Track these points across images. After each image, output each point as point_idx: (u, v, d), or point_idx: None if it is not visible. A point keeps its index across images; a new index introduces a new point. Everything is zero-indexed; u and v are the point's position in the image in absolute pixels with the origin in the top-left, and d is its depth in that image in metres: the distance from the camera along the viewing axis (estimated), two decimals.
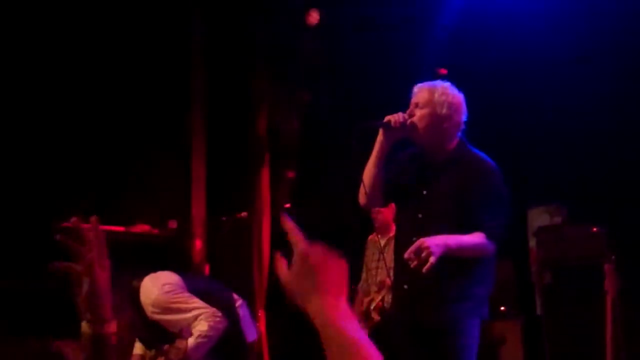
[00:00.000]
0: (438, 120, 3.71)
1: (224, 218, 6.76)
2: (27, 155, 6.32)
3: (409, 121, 3.71)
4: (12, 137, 6.26)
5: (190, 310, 4.11)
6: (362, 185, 3.84)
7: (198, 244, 6.65)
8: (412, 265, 3.44)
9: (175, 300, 4.14)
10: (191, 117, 7.18)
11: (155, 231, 6.32)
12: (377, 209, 6.28)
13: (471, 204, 3.63)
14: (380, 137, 3.79)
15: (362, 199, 3.87)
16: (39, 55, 6.38)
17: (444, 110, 3.70)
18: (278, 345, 7.14)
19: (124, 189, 6.83)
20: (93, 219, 1.90)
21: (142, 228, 6.24)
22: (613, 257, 5.82)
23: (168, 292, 4.15)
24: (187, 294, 4.18)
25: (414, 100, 3.77)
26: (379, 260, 6.35)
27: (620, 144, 6.54)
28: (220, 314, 4.15)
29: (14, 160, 6.22)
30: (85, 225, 1.89)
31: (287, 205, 7.54)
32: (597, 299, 5.42)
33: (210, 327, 4.07)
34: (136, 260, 6.00)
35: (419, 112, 3.72)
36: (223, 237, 6.81)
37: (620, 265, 5.52)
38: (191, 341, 4.05)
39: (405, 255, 3.45)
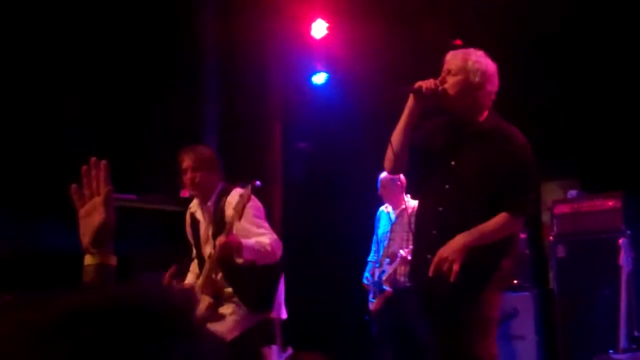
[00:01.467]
0: (470, 88, 3.64)
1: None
2: (46, 126, 6.34)
3: (440, 88, 3.64)
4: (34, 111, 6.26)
5: (261, 227, 4.32)
6: (389, 150, 3.78)
7: None
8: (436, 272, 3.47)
9: (256, 213, 4.36)
10: (204, 86, 7.15)
11: (168, 200, 6.31)
12: (388, 182, 6.28)
13: (500, 178, 3.59)
14: (410, 103, 3.72)
15: (388, 164, 3.82)
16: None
17: (477, 79, 3.63)
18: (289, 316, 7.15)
19: (138, 158, 6.82)
20: (103, 162, 1.99)
21: (153, 197, 6.24)
22: (629, 231, 5.80)
23: (256, 206, 4.38)
24: (265, 217, 4.44)
25: (446, 66, 3.70)
26: (390, 232, 6.34)
27: (636, 116, 6.49)
28: (281, 246, 4.33)
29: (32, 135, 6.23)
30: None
31: (299, 176, 7.55)
32: (611, 273, 5.40)
33: (270, 245, 4.22)
34: (149, 228, 6.02)
35: (451, 79, 3.65)
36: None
37: (635, 240, 5.50)
38: (249, 241, 4.18)
39: (430, 275, 3.48)
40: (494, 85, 3.71)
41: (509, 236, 3.66)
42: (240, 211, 4.10)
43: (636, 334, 5.36)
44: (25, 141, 6.24)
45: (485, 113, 3.74)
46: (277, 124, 7.50)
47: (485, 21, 6.83)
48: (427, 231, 3.67)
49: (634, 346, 5.08)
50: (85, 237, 1.94)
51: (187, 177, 4.51)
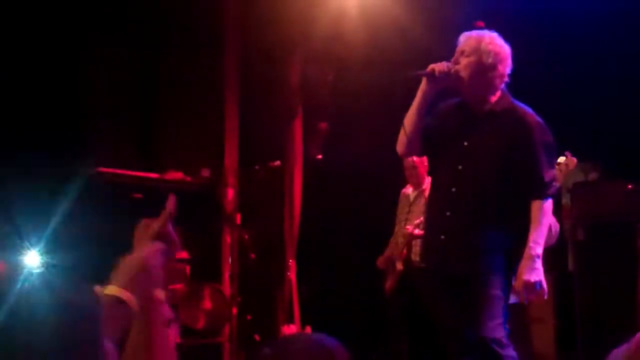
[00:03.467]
0: (483, 70, 3.68)
1: (256, 167, 6.77)
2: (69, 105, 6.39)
3: (453, 69, 3.68)
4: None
5: None
6: (401, 133, 3.81)
7: (230, 193, 6.68)
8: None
9: None
10: (225, 67, 7.16)
11: (188, 179, 6.36)
12: (412, 164, 6.29)
13: (514, 158, 3.62)
14: (423, 86, 3.75)
15: (400, 147, 3.86)
16: None
17: (490, 60, 3.67)
18: (308, 295, 7.21)
19: (159, 137, 6.88)
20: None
21: (175, 175, 6.29)
22: None
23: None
24: None
25: (459, 48, 3.73)
26: (408, 212, 6.35)
27: None
28: None
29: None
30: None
31: (319, 157, 7.55)
32: (630, 257, 5.39)
33: None
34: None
35: (464, 61, 3.69)
36: (255, 186, 6.83)
37: None
38: None
39: (521, 302, 3.65)
40: (506, 67, 3.73)
41: (518, 219, 3.67)
42: None
43: None
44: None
45: (498, 94, 3.76)
46: (298, 104, 7.51)
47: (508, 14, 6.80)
48: (440, 212, 3.71)
49: None
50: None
51: None
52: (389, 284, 6.30)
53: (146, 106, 7.07)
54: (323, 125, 8.08)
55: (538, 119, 3.71)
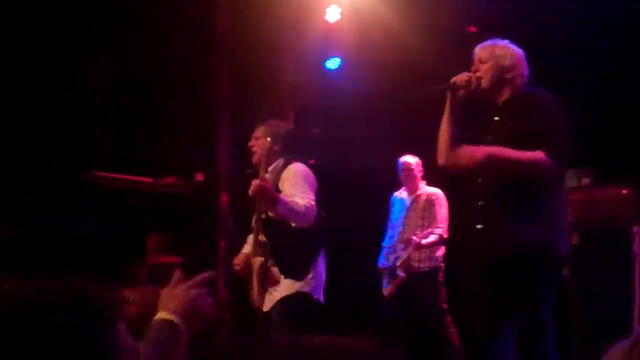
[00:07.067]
0: (502, 71, 3.87)
1: (249, 171, 6.74)
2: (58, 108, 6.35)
3: (473, 77, 3.87)
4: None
5: (302, 191, 4.39)
6: (439, 145, 3.99)
7: (224, 197, 6.65)
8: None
9: (305, 180, 4.48)
10: (216, 71, 7.13)
11: (182, 183, 6.33)
12: (407, 166, 6.32)
13: (533, 128, 3.72)
14: (449, 99, 3.94)
15: (440, 159, 4.02)
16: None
17: (507, 62, 3.87)
18: None
19: (152, 142, 6.84)
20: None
21: (168, 180, 6.25)
22: None
23: (306, 171, 4.53)
24: (312, 189, 4.49)
25: (476, 58, 3.93)
26: (405, 217, 6.35)
27: None
28: (317, 215, 4.38)
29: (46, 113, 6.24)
30: None
31: (312, 162, 7.53)
32: (624, 262, 5.40)
33: (304, 207, 4.28)
34: (162, 210, 6.04)
35: (483, 67, 3.89)
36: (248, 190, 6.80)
37: None
38: (285, 197, 4.29)
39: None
40: (524, 68, 3.93)
41: (553, 205, 3.79)
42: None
43: None
44: (37, 125, 6.25)
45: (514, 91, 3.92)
46: (289, 109, 7.50)
47: (501, 7, 6.81)
48: (474, 204, 3.86)
49: None
50: None
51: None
52: (389, 290, 6.29)
53: (138, 111, 7.04)
54: (315, 131, 8.08)
55: (551, 95, 3.85)
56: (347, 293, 7.45)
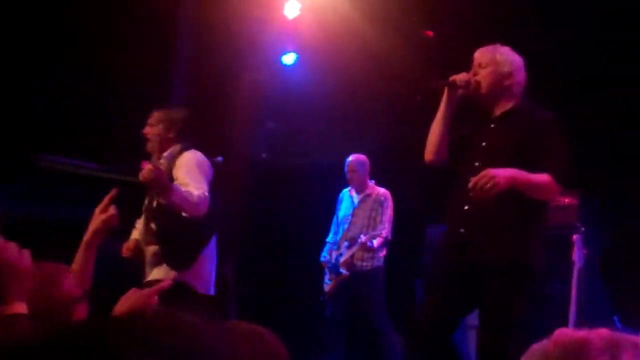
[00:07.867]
0: (501, 78, 3.88)
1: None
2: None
3: (473, 80, 3.88)
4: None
5: (195, 180, 4.30)
6: (428, 142, 4.00)
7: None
8: (472, 194, 3.54)
9: (199, 168, 4.39)
10: (174, 63, 7.12)
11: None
12: (353, 167, 6.36)
13: (533, 151, 3.72)
14: (445, 97, 3.95)
15: (428, 155, 4.02)
16: None
17: (506, 68, 3.89)
18: (249, 294, 7.19)
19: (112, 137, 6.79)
20: None
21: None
22: (583, 228, 5.89)
23: (202, 160, 4.44)
24: (207, 178, 4.40)
25: (476, 62, 3.94)
26: (352, 215, 6.39)
27: (595, 117, 6.59)
28: (208, 203, 4.26)
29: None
30: None
31: (264, 156, 7.55)
32: (564, 268, 5.48)
33: (197, 197, 4.18)
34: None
35: (482, 72, 3.90)
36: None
37: (588, 238, 5.59)
38: (178, 185, 4.20)
39: (470, 185, 3.53)
40: (522, 75, 3.94)
41: (537, 215, 3.81)
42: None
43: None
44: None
45: (515, 99, 3.93)
46: (245, 103, 7.50)
47: (460, 13, 6.88)
48: (459, 207, 3.81)
49: None
50: None
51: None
52: (330, 286, 6.33)
53: (100, 106, 6.98)
54: (270, 125, 8.10)
55: (548, 113, 3.87)
56: (290, 288, 7.50)
